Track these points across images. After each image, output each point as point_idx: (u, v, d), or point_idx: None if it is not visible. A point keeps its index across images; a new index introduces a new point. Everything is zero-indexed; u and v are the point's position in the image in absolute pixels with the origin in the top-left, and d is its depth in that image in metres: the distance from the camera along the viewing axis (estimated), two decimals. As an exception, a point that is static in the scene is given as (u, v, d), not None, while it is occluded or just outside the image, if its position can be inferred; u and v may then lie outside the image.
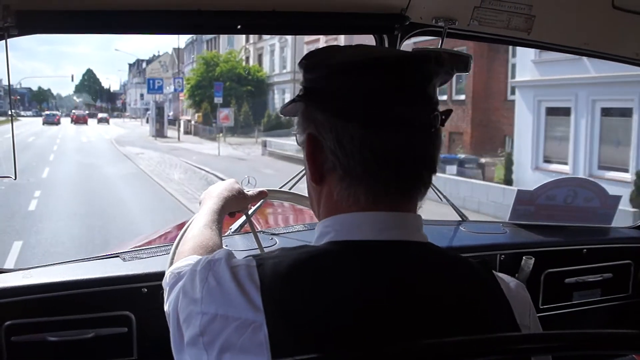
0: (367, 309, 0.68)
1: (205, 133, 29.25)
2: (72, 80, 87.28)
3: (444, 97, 16.82)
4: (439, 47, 1.64)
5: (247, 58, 34.88)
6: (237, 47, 34.39)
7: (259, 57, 34.63)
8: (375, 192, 0.73)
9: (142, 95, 51.05)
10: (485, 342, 0.59)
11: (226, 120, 25.27)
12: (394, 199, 0.74)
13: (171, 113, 34.36)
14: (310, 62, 0.76)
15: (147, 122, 41.24)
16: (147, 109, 47.09)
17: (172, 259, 1.02)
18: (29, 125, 39.44)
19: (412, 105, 0.72)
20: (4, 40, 1.28)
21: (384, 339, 0.65)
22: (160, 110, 30.01)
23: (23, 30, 1.30)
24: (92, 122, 51.25)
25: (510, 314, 0.75)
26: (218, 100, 25.64)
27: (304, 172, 1.80)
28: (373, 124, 0.71)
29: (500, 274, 0.80)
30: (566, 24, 1.57)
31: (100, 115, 58.03)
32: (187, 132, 31.41)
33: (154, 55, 63.98)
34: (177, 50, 40.64)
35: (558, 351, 0.60)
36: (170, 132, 30.72)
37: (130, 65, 75.59)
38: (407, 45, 1.59)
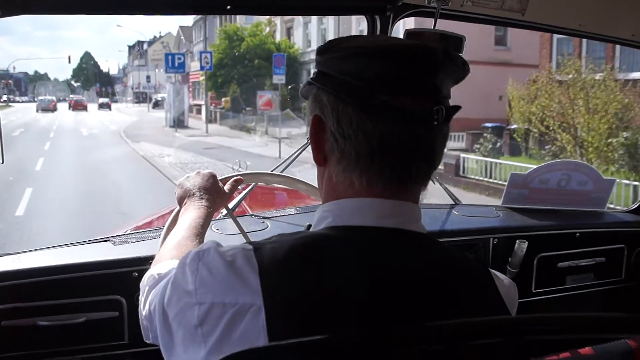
0: (366, 294, 0.68)
1: (236, 122, 24.29)
2: (69, 62, 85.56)
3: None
4: (432, 28, 1.61)
5: (274, 32, 28.92)
6: (258, 20, 27.82)
7: (288, 31, 29.34)
8: (369, 177, 0.74)
9: (148, 78, 48.06)
10: (479, 325, 0.60)
11: (268, 106, 19.77)
12: (388, 186, 0.74)
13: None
14: (324, 46, 0.77)
15: (154, 107, 38.57)
16: (151, 93, 45.52)
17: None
18: (20, 113, 34.29)
19: (414, 96, 0.72)
20: None
21: (381, 325, 0.66)
22: (179, 93, 24.40)
23: (7, 12, 1.27)
24: (91, 107, 48.32)
25: (504, 308, 0.77)
26: (279, 79, 19.62)
27: (296, 153, 1.80)
28: (370, 109, 0.71)
29: (494, 271, 0.82)
30: (560, 4, 1.54)
31: (101, 100, 54.88)
32: (209, 121, 25.09)
33: (155, 37, 63.24)
34: (204, 25, 32.26)
35: (552, 334, 0.60)
36: (191, 120, 25.82)
37: (130, 47, 74.70)
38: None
